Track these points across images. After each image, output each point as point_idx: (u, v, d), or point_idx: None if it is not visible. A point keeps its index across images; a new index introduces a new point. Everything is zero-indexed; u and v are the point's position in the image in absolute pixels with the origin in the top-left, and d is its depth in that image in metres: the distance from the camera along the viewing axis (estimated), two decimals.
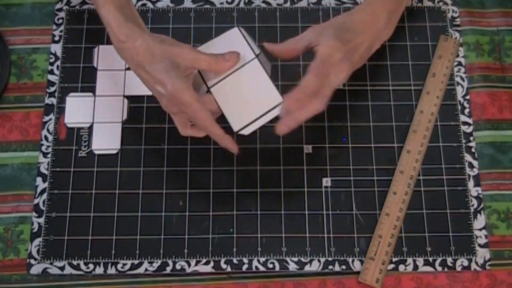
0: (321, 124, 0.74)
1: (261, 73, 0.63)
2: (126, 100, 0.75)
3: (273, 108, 0.63)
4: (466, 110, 0.75)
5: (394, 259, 0.69)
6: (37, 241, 0.70)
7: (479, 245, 0.70)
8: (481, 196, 0.72)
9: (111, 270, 0.69)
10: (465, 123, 0.75)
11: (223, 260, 0.69)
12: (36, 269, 0.69)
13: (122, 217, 0.70)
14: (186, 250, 0.69)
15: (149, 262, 0.69)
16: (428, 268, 0.69)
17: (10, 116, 0.75)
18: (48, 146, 0.73)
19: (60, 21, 0.79)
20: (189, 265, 0.69)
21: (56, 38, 0.78)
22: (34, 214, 0.70)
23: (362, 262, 0.69)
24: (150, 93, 0.75)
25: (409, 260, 0.69)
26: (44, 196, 0.71)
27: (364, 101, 0.75)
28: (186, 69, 0.63)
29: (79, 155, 0.73)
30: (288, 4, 0.80)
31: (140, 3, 0.80)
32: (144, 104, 0.75)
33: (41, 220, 0.70)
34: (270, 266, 0.69)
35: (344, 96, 0.75)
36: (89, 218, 0.70)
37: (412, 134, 0.74)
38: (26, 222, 0.71)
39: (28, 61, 0.77)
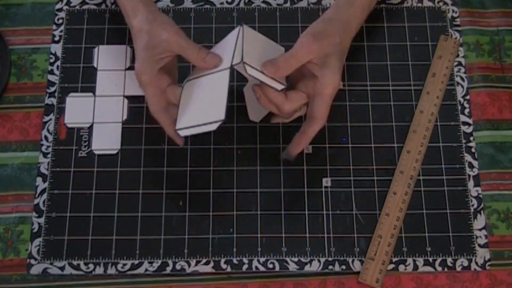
0: None
1: (223, 85, 0.62)
2: (126, 100, 0.75)
3: (212, 123, 0.61)
4: (466, 110, 0.75)
5: (394, 259, 0.69)
6: (37, 241, 0.70)
7: (479, 245, 0.70)
8: (481, 196, 0.72)
9: (111, 270, 0.69)
10: (465, 123, 0.75)
11: (223, 260, 0.69)
12: (36, 269, 0.69)
13: (122, 217, 0.70)
14: (186, 250, 0.69)
15: (149, 262, 0.69)
16: (428, 268, 0.69)
17: (10, 116, 0.75)
18: (48, 146, 0.73)
19: (60, 21, 0.79)
20: (189, 265, 0.69)
21: (56, 38, 0.78)
22: (34, 214, 0.71)
23: (362, 262, 0.69)
24: None
25: (409, 260, 0.69)
26: (44, 196, 0.71)
27: (364, 101, 0.75)
28: (164, 52, 0.64)
29: (79, 155, 0.73)
30: (288, 4, 0.80)
31: None
32: (144, 104, 0.75)
33: (41, 220, 0.70)
34: (270, 266, 0.69)
35: (344, 96, 0.75)
36: (89, 218, 0.70)
37: (412, 134, 0.74)
38: (26, 222, 0.71)
39: (28, 61, 0.77)
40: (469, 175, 0.73)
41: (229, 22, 0.78)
